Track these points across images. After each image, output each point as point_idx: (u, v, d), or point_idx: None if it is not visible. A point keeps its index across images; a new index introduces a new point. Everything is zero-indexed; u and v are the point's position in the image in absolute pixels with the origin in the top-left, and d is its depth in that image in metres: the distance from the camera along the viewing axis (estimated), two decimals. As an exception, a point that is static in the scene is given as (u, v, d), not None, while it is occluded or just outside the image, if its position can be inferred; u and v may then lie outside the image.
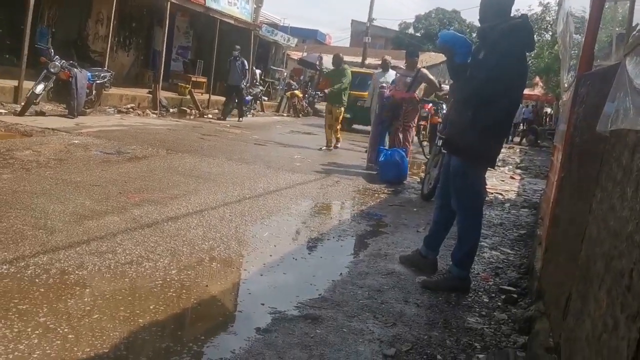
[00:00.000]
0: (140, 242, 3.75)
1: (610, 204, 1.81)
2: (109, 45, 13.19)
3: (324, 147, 10.79)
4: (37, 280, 2.91)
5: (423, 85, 8.63)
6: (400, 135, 8.36)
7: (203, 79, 17.67)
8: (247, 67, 14.77)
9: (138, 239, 3.81)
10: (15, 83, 10.09)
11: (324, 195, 6.40)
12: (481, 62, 3.59)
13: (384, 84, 9.19)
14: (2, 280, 2.86)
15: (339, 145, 11.10)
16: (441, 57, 40.26)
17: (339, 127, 11.17)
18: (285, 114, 20.31)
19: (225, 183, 6.12)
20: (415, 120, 8.58)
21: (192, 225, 4.32)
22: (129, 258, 3.42)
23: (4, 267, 3.02)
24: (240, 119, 14.67)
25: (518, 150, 18.76)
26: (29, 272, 3.00)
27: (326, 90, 11.27)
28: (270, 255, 3.94)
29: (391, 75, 9.94)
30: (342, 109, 10.74)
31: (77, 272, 3.10)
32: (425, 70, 8.60)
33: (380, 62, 10.90)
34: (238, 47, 14.71)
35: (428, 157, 7.38)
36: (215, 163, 7.39)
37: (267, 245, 4.16)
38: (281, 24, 30.54)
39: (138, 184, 5.50)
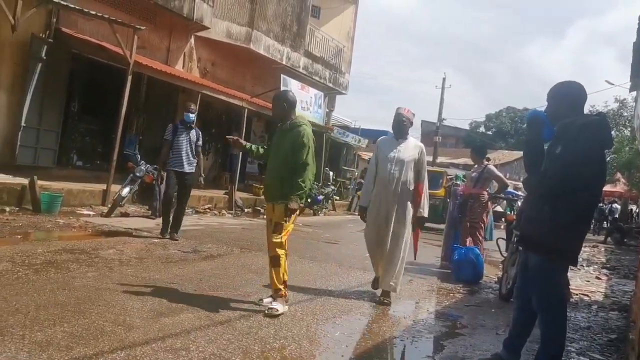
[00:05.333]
0: (213, 339, 3.77)
1: None
2: (190, 151, 14.00)
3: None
4: (113, 376, 2.97)
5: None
6: (469, 233, 8.18)
7: (276, 180, 18.19)
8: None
9: (211, 336, 3.83)
10: (103, 187, 10.81)
11: (396, 294, 6.25)
12: (558, 157, 3.51)
13: (459, 179, 9.16)
14: (81, 375, 2.93)
15: (279, 309, 4.59)
16: (516, 155, 39.69)
17: (280, 251, 4.74)
18: (356, 213, 20.40)
19: (296, 281, 6.11)
20: (485, 217, 8.31)
21: (263, 324, 4.31)
22: (202, 355, 3.43)
23: (84, 362, 3.10)
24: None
25: (603, 249, 17.75)
26: (107, 367, 3.06)
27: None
28: (342, 356, 3.83)
29: (410, 146, 5.82)
30: (294, 206, 4.65)
31: (151, 368, 3.13)
32: (492, 167, 8.55)
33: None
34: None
35: (505, 255, 7.13)
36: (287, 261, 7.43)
37: (339, 345, 4.07)
38: (352, 126, 31.55)
39: (212, 282, 5.61)
